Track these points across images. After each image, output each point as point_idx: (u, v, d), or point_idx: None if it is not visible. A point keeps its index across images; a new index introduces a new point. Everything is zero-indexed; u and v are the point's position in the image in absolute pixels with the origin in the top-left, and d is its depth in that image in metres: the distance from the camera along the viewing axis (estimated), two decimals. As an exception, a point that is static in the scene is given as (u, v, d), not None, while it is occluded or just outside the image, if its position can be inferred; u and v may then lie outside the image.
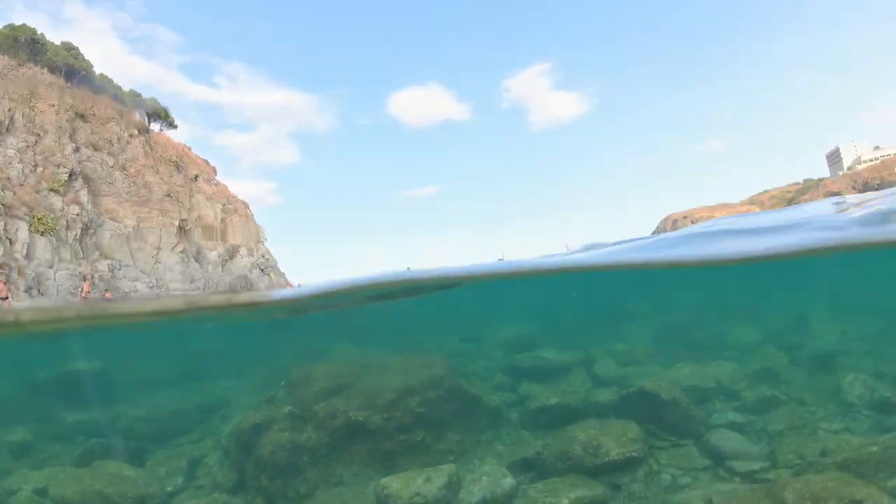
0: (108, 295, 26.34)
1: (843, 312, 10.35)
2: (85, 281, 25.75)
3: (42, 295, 24.94)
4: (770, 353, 8.84)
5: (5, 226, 25.96)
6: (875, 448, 5.33)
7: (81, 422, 7.93)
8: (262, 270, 40.94)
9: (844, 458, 5.39)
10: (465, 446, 6.88)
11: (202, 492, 6.22)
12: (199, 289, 34.00)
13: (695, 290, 11.75)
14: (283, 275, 43.45)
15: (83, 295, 24.18)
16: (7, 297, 19.85)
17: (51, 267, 26.51)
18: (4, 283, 20.76)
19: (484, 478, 5.89)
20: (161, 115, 45.24)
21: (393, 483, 5.56)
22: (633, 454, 6.15)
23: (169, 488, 6.31)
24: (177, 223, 35.99)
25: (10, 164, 29.06)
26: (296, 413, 6.68)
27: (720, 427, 6.82)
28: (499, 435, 7.33)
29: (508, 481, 5.84)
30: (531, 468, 6.32)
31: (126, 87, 46.68)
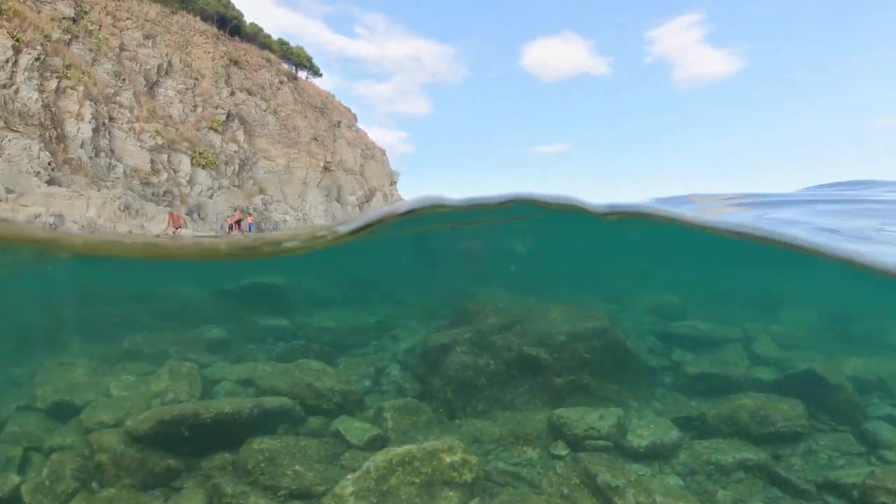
0: (250, 219, 28.50)
1: None
2: (235, 211, 28.19)
3: (203, 220, 27.87)
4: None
5: (169, 158, 29.09)
6: None
7: (271, 326, 9.04)
8: (395, 215, 43.17)
9: None
10: (623, 398, 7.15)
11: (389, 395, 7.00)
12: (339, 227, 36.51)
13: (857, 282, 11.06)
14: (414, 220, 45.48)
15: (228, 222, 26.52)
16: (179, 228, 22.40)
17: (210, 197, 29.46)
18: (179, 216, 23.47)
19: (652, 426, 6.20)
20: (307, 63, 47.95)
21: (569, 414, 5.98)
22: (798, 429, 6.38)
23: (360, 389, 7.14)
24: (322, 165, 38.63)
25: (171, 103, 32.34)
26: (474, 340, 7.25)
27: (877, 419, 6.84)
28: (653, 393, 7.57)
29: (675, 433, 6.11)
30: (692, 427, 6.56)
31: (274, 37, 49.79)
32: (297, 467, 5.39)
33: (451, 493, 4.80)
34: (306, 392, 6.48)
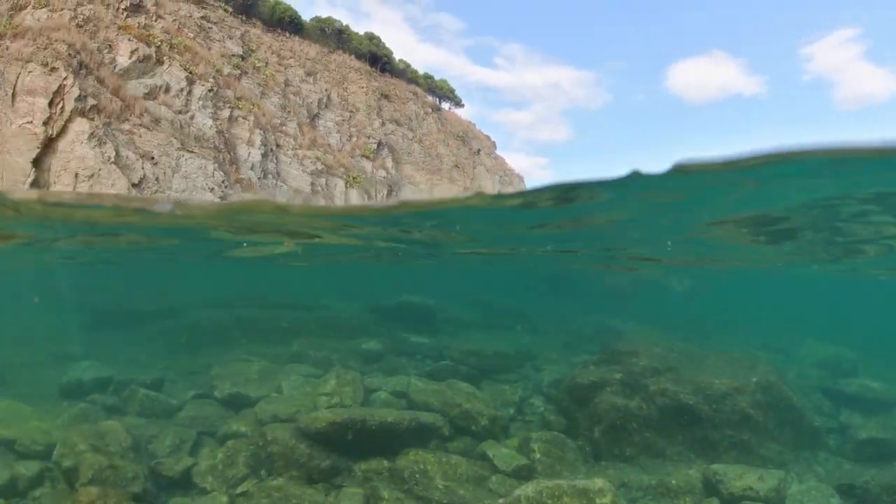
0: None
1: None
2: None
3: (352, 239, 30.10)
4: None
5: (327, 181, 31.83)
6: None
7: (419, 343, 9.57)
8: (528, 242, 43.91)
9: None
10: (784, 458, 6.66)
11: (534, 426, 7.10)
12: (476, 249, 38.03)
13: None
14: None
15: None
16: None
17: (360, 218, 31.79)
18: None
19: (812, 491, 5.82)
20: (449, 95, 50.23)
21: (727, 471, 5.70)
22: (959, 500, 5.69)
23: (505, 415, 7.31)
24: (462, 189, 40.34)
25: (330, 133, 35.62)
26: (626, 381, 7.14)
27: None
28: (816, 457, 6.99)
29: (836, 501, 5.70)
30: (853, 496, 6.04)
31: (421, 71, 52.65)
32: (448, 483, 5.67)
33: (598, 534, 4.79)
34: (456, 412, 6.77)
